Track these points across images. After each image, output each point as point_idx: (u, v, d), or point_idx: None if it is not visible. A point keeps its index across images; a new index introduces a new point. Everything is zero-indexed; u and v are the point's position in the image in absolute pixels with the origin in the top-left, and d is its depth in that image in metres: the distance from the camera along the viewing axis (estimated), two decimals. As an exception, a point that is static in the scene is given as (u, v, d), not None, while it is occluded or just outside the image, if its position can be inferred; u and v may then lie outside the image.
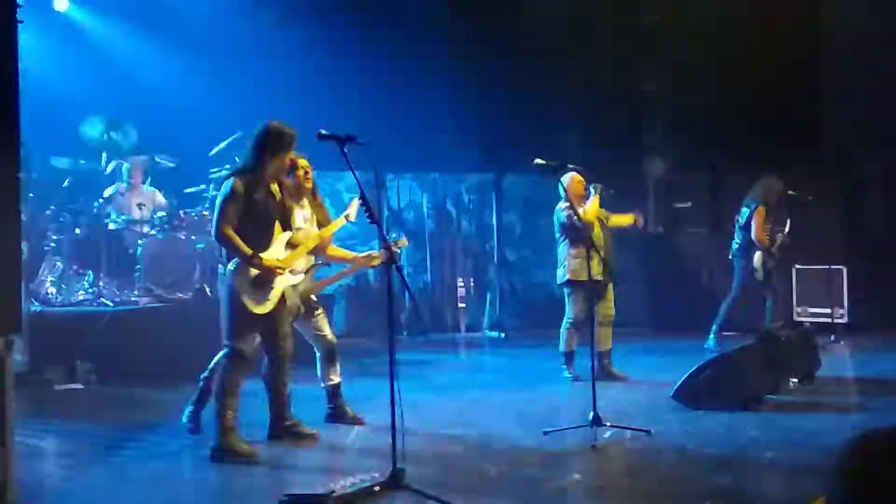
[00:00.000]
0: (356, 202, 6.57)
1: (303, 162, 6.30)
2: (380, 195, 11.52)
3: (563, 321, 8.26)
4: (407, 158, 11.86)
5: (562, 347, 8.27)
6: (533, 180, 12.19)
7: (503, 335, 11.94)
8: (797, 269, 11.68)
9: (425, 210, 12.44)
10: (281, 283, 5.66)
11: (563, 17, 12.64)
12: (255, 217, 5.57)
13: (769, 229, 9.81)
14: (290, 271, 5.92)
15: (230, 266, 5.54)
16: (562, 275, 8.27)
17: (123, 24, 11.48)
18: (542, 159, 6.65)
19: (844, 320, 11.00)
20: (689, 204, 12.53)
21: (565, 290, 8.32)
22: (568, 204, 7.89)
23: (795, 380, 7.65)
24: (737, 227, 9.98)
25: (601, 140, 12.37)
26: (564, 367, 8.27)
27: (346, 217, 6.48)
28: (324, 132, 4.93)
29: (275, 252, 5.66)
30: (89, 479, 5.30)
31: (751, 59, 12.14)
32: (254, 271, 5.50)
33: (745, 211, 9.88)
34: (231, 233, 5.48)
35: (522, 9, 12.82)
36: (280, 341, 5.81)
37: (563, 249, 8.27)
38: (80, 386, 8.11)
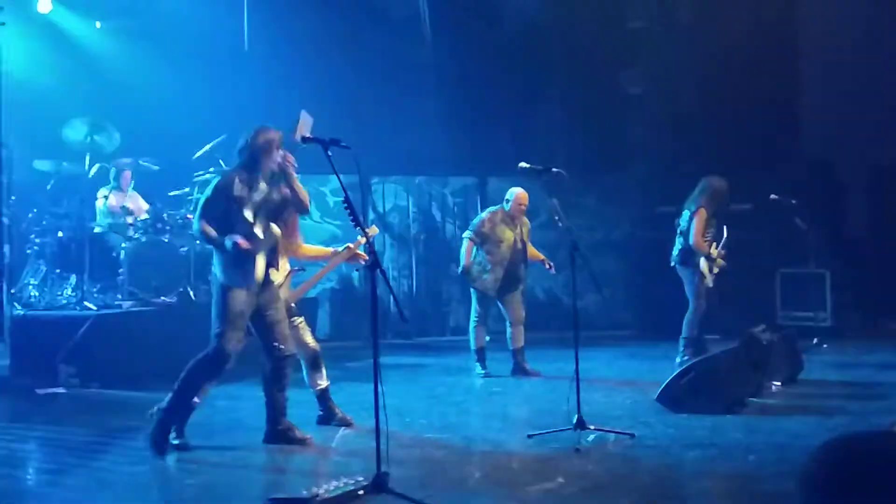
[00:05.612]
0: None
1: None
2: (365, 199, 11.51)
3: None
4: (392, 162, 11.86)
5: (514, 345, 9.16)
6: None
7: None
8: (781, 273, 11.74)
9: (410, 213, 12.43)
10: (261, 260, 5.68)
11: (546, 20, 12.68)
12: (235, 214, 5.61)
13: (711, 233, 8.88)
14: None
15: (216, 267, 5.59)
16: None
17: (107, 27, 11.44)
18: (527, 163, 6.67)
19: (828, 324, 11.06)
20: (672, 208, 12.53)
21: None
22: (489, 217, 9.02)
23: (778, 383, 7.69)
24: (677, 231, 9.07)
25: (585, 144, 12.38)
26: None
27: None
28: (308, 135, 4.93)
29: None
30: (72, 483, 5.26)
31: (733, 62, 12.20)
32: (234, 257, 5.52)
33: (685, 214, 9.05)
34: (207, 227, 5.56)
35: (506, 13, 12.84)
36: (275, 344, 5.80)
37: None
38: (62, 390, 8.06)
